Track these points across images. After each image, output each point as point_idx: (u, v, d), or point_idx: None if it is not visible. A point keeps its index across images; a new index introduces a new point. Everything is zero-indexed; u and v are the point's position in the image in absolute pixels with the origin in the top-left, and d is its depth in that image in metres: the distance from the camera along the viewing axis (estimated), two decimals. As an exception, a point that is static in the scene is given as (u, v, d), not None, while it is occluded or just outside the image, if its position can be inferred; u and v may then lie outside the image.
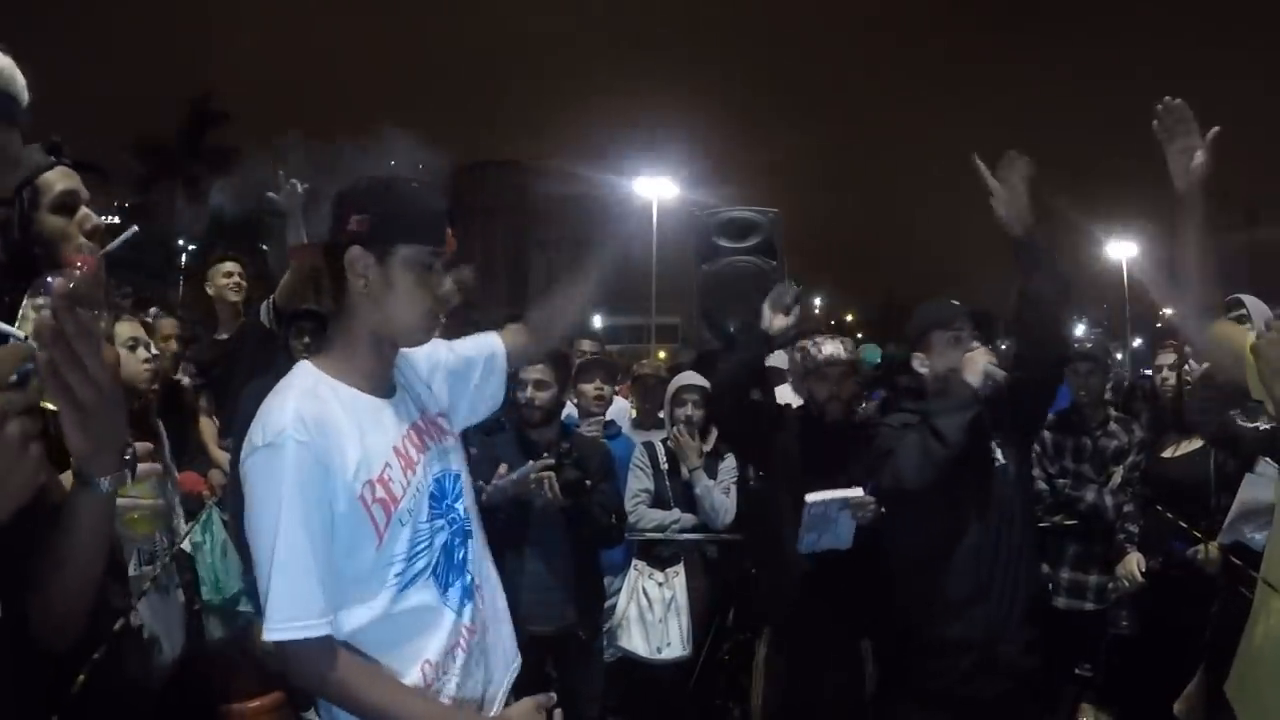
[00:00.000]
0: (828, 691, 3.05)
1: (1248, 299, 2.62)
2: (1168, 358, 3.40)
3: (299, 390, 1.49)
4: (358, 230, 1.51)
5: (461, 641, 1.57)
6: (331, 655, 1.43)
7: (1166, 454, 3.14)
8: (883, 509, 2.82)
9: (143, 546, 2.57)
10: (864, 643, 3.11)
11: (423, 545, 1.54)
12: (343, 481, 1.45)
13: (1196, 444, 3.04)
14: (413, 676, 1.51)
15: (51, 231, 1.50)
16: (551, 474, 2.99)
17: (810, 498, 2.85)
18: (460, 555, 1.61)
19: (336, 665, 1.43)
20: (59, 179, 1.51)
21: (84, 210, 1.54)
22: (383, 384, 1.62)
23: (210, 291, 4.41)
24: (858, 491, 2.84)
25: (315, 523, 1.41)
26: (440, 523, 1.58)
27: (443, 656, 1.54)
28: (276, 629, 1.40)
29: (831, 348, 3.18)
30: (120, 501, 1.62)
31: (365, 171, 1.77)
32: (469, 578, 1.63)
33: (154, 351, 2.98)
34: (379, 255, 1.51)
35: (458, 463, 1.70)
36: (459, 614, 1.58)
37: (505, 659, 1.71)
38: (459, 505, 1.65)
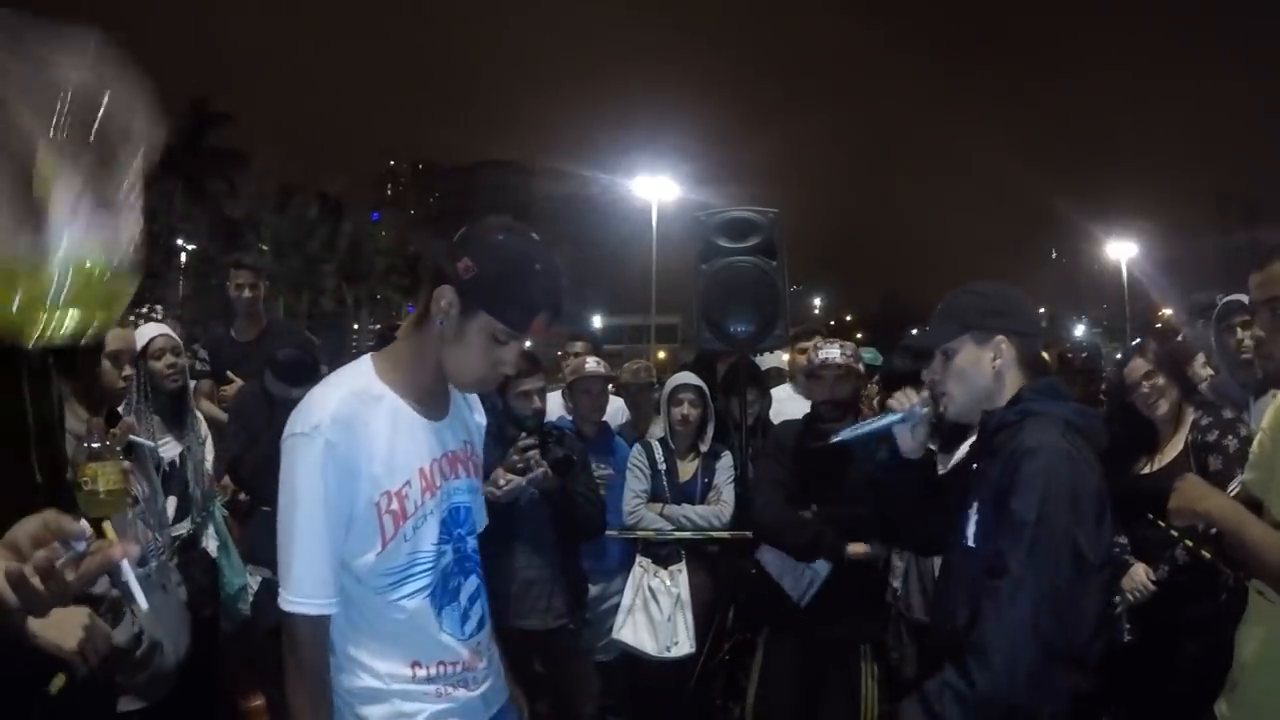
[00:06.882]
0: (827, 691, 3.07)
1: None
2: (1142, 366, 3.06)
3: (347, 390, 1.57)
4: (460, 276, 1.54)
5: (453, 665, 1.65)
6: (321, 639, 1.56)
7: (1145, 470, 3.05)
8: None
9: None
10: (864, 646, 3.12)
11: (423, 566, 1.61)
12: (365, 485, 1.54)
13: (1172, 454, 2.97)
14: (402, 669, 1.61)
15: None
16: (536, 452, 2.98)
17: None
18: (455, 585, 1.67)
19: (317, 651, 1.55)
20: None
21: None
22: (434, 404, 1.68)
23: (231, 294, 4.72)
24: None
25: (334, 514, 1.52)
26: (446, 549, 1.65)
27: (433, 665, 1.63)
28: (298, 603, 1.53)
29: (827, 352, 3.24)
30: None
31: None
32: (465, 609, 1.69)
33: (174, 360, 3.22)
34: (464, 307, 1.55)
35: (478, 504, 1.78)
36: (454, 637, 1.66)
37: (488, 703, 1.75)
38: (470, 540, 1.73)
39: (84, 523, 1.05)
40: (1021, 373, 1.95)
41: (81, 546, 1.02)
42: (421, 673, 1.60)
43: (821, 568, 3.06)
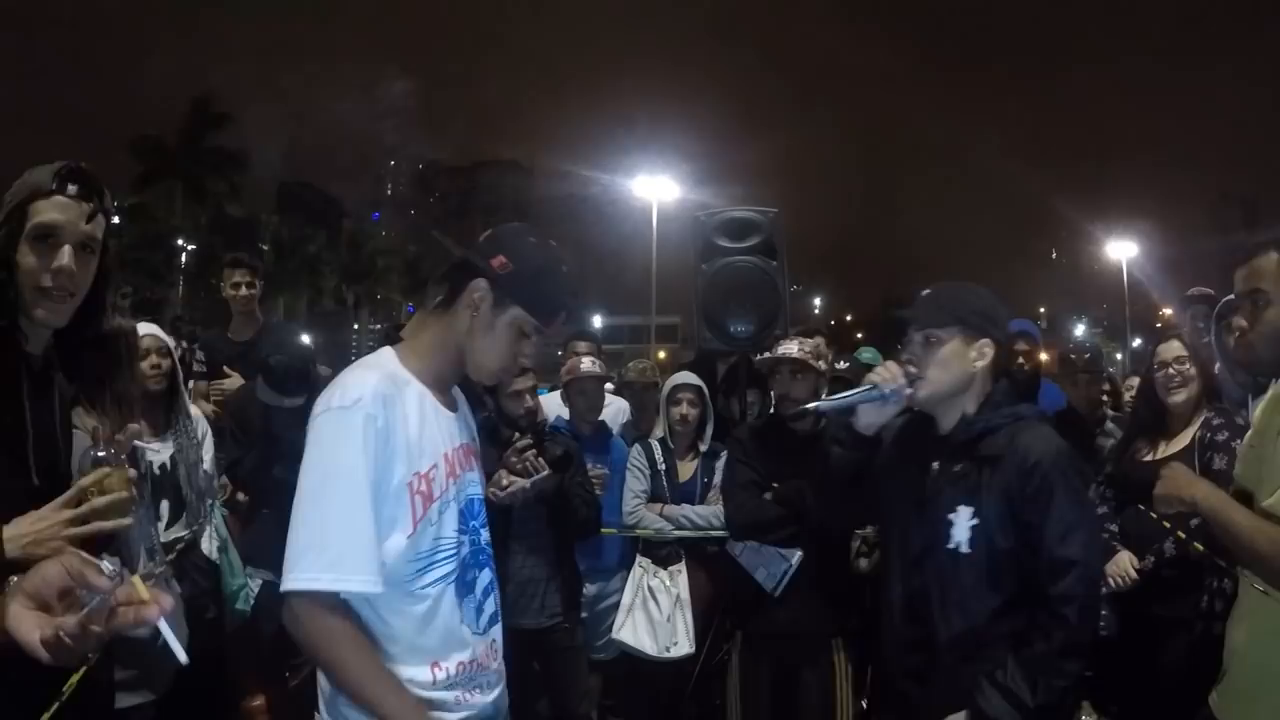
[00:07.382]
0: (802, 691, 3.06)
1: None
2: (1177, 348, 3.06)
3: (382, 372, 1.60)
4: (497, 270, 1.64)
5: (470, 663, 1.63)
6: (350, 617, 1.50)
7: (1148, 457, 3.03)
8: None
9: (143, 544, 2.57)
10: (835, 639, 3.10)
11: (446, 552, 1.61)
12: (399, 463, 1.54)
13: (1178, 446, 2.96)
14: (422, 673, 1.57)
15: (23, 265, 1.45)
16: (533, 451, 2.98)
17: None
18: (471, 577, 1.67)
19: (349, 626, 1.50)
20: (47, 209, 1.45)
21: (63, 249, 1.45)
22: (447, 396, 1.73)
23: (226, 292, 4.70)
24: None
25: (374, 489, 1.50)
26: (464, 539, 1.66)
27: (452, 664, 1.60)
28: (337, 580, 1.45)
29: (785, 347, 3.16)
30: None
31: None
32: (480, 602, 1.68)
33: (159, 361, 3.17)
34: (497, 299, 1.65)
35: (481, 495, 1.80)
36: (471, 629, 1.65)
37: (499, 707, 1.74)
38: (483, 532, 1.73)
39: (108, 565, 1.06)
40: (989, 381, 2.06)
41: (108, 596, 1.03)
42: (441, 674, 1.58)
43: (794, 555, 3.05)
